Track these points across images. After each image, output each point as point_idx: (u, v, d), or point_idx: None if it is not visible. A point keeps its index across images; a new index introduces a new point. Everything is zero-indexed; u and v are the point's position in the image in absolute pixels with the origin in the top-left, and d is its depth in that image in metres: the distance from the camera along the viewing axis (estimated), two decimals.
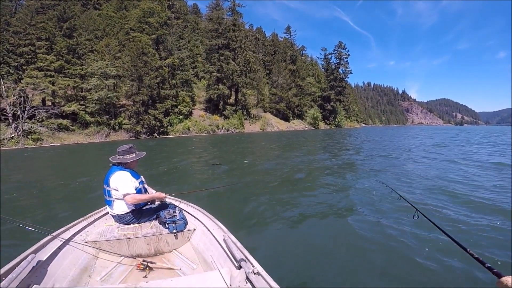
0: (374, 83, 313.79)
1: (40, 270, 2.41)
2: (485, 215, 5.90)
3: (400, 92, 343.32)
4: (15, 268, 2.16)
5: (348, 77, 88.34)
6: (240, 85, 54.49)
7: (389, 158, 15.40)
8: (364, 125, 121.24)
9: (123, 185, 3.34)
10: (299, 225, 5.53)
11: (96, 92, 35.17)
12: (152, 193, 3.79)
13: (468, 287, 3.50)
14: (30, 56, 32.69)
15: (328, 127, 78.13)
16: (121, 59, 39.39)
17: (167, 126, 41.45)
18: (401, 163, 13.47)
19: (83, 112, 34.49)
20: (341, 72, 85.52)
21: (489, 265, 1.28)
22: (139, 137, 37.65)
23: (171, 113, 42.78)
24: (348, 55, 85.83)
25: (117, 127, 36.99)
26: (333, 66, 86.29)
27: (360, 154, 17.33)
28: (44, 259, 2.53)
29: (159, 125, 39.89)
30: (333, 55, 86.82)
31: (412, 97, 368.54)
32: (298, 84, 72.07)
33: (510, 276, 1.08)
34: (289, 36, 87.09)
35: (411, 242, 4.67)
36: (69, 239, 2.98)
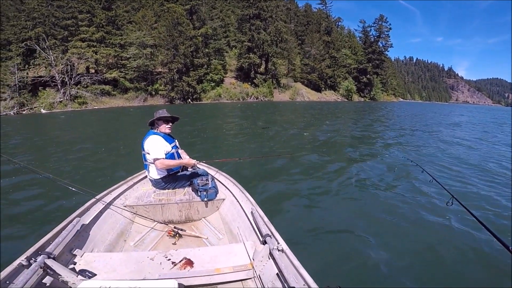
0: (417, 58, 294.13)
1: (82, 234, 2.52)
2: None
3: (446, 69, 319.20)
4: (61, 232, 2.25)
5: (388, 51, 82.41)
6: (270, 55, 53.89)
7: (421, 134, 14.63)
8: (402, 99, 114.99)
9: (153, 149, 3.34)
10: (324, 201, 5.35)
11: (134, 60, 36.94)
12: (184, 158, 3.72)
13: None
14: (73, 29, 34.61)
15: (362, 99, 75.08)
16: (157, 29, 40.42)
17: (200, 92, 42.65)
18: (432, 140, 12.69)
19: (123, 78, 36.44)
20: (381, 45, 79.76)
21: None
22: (173, 102, 39.21)
23: (204, 81, 43.78)
24: (390, 28, 79.52)
25: (153, 93, 38.83)
26: (372, 39, 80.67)
27: (394, 128, 16.75)
28: (87, 222, 2.63)
29: (192, 91, 41.12)
30: (372, 28, 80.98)
31: (460, 75, 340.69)
32: (332, 56, 69.33)
33: None
34: (324, 7, 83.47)
35: (443, 232, 4.29)
36: (110, 203, 3.08)
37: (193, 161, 3.61)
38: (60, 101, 29.87)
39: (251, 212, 2.77)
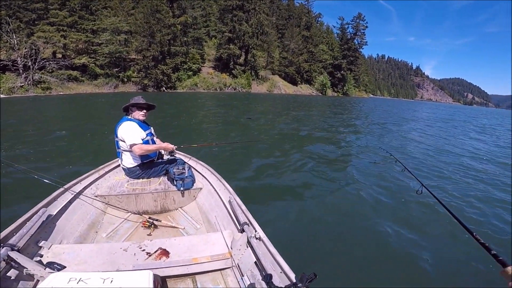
0: (388, 56, 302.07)
1: (49, 225, 2.36)
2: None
3: (414, 67, 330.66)
4: (26, 223, 2.11)
5: (362, 48, 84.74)
6: (250, 46, 52.66)
7: (389, 129, 15.11)
8: (372, 95, 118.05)
9: (129, 135, 3.16)
10: (300, 191, 5.28)
11: (107, 46, 34.66)
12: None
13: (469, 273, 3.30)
14: (42, 12, 31.78)
15: (335, 94, 76.34)
16: (134, 16, 38.18)
17: (175, 81, 40.82)
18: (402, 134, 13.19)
19: (93, 64, 34.07)
20: (356, 43, 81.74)
21: (494, 252, 1.15)
22: (147, 90, 37.30)
23: (180, 69, 41.90)
24: (366, 26, 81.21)
25: (125, 80, 36.67)
26: (348, 36, 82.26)
27: (366, 122, 17.25)
28: (55, 213, 2.47)
29: (166, 79, 39.31)
30: (350, 25, 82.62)
31: (426, 74, 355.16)
32: (310, 50, 69.46)
33: None
34: (306, 2, 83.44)
35: (413, 219, 4.45)
36: (80, 192, 2.91)
37: (172, 146, 3.53)
38: (21, 86, 27.23)
39: (229, 201, 2.71)
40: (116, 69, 36.07)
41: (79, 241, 2.47)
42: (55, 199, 2.59)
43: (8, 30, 27.98)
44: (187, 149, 4.33)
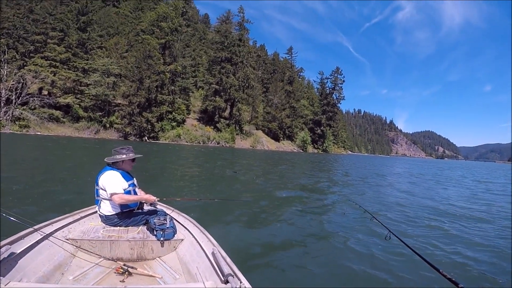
0: (364, 111, 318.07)
1: (10, 262, 2.21)
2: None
3: (388, 121, 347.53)
4: None
5: (340, 103, 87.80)
6: (236, 100, 53.77)
7: (367, 184, 15.40)
8: (350, 152, 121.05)
9: (110, 184, 3.14)
10: (274, 240, 5.31)
11: (94, 88, 34.35)
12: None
13: None
14: (40, 45, 31.83)
15: (316, 151, 77.57)
16: (126, 59, 38.76)
17: (159, 131, 40.43)
18: (376, 189, 13.57)
19: (78, 106, 33.49)
20: (335, 98, 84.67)
21: (462, 285, 1.21)
22: (128, 138, 36.56)
23: (165, 119, 41.75)
24: (343, 81, 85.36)
25: (108, 125, 36.03)
26: (327, 90, 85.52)
27: (345, 179, 17.53)
28: (18, 252, 2.33)
29: (150, 128, 38.91)
30: (329, 79, 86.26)
31: (399, 128, 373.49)
32: (292, 105, 71.77)
33: None
34: (290, 57, 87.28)
35: (382, 263, 4.57)
36: (50, 234, 2.74)
37: (154, 198, 3.47)
38: None
39: (212, 253, 2.59)
40: (100, 113, 35.48)
41: (42, 281, 2.28)
42: (21, 238, 2.46)
43: (2, 59, 27.30)
44: (170, 201, 4.20)
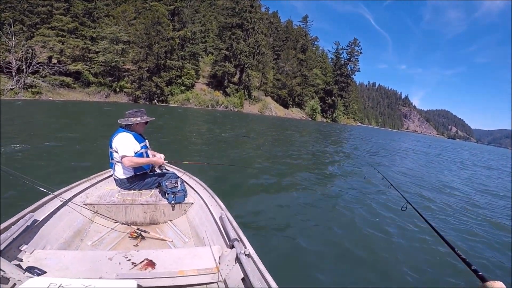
0: (379, 84, 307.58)
1: (34, 230, 2.32)
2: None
3: (403, 97, 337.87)
4: (10, 227, 2.09)
5: (355, 75, 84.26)
6: (246, 66, 52.95)
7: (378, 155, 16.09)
8: (360, 124, 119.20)
9: (122, 146, 3.15)
10: (292, 205, 5.47)
11: (103, 55, 34.33)
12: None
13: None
14: (46, 16, 31.38)
15: (325, 120, 76.52)
16: (135, 26, 38.16)
17: (168, 94, 40.53)
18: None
19: (87, 72, 33.53)
20: (349, 69, 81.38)
21: (475, 267, 1.16)
22: (138, 101, 36.88)
23: (174, 83, 41.69)
24: (360, 53, 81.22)
25: (118, 90, 36.17)
26: (342, 61, 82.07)
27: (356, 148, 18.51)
28: (41, 219, 2.42)
29: (159, 92, 39.00)
30: (345, 50, 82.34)
31: (413, 104, 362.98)
32: (303, 74, 69.87)
33: (495, 281, 0.97)
34: (305, 25, 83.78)
35: (397, 235, 4.63)
36: (69, 200, 2.86)
37: (162, 160, 3.53)
38: (12, 89, 26.46)
39: (220, 217, 2.69)
40: (110, 79, 35.63)
41: (63, 248, 2.40)
42: (43, 205, 2.55)
43: (9, 32, 27.43)
44: (177, 164, 4.26)
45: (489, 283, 0.94)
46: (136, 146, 3.27)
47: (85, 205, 2.96)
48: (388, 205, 6.05)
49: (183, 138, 12.64)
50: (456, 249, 1.39)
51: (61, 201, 2.73)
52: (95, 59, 34.24)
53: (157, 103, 38.59)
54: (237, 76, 54.17)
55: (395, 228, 4.91)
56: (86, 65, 33.73)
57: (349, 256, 3.88)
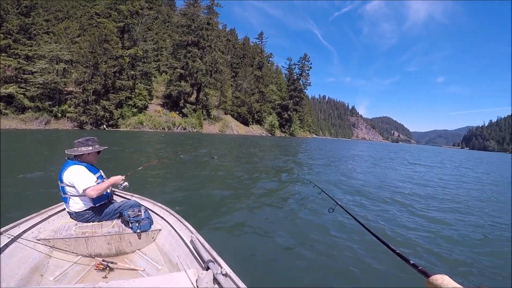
0: (329, 97, 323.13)
1: None
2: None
3: (350, 107, 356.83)
4: None
5: (306, 89, 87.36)
6: (203, 85, 50.33)
7: (324, 165, 16.41)
8: (315, 135, 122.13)
9: (80, 180, 2.88)
10: (254, 223, 5.36)
11: (41, 76, 29.77)
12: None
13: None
14: None
15: (283, 134, 76.68)
16: (78, 44, 33.97)
17: (118, 118, 36.33)
18: (336, 169, 14.69)
19: (22, 95, 28.75)
20: (302, 83, 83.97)
21: (413, 261, 1.08)
22: (84, 127, 32.48)
23: (125, 105, 37.59)
24: (310, 67, 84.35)
25: (60, 115, 31.50)
26: (295, 76, 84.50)
27: (311, 160, 19.12)
28: None
29: (108, 116, 34.82)
30: (297, 66, 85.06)
31: (360, 113, 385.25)
32: (261, 90, 69.74)
33: (439, 275, 0.88)
34: (260, 42, 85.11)
35: (333, 237, 4.77)
36: (18, 236, 2.50)
37: (119, 176, 3.28)
38: None
39: (191, 240, 2.57)
40: (50, 103, 30.88)
41: (22, 285, 2.14)
42: None
43: None
44: (134, 174, 4.19)
45: (433, 278, 0.83)
46: (93, 177, 3.00)
47: (38, 240, 2.58)
48: (323, 208, 6.41)
49: (139, 164, 10.69)
50: (390, 245, 1.26)
51: (9, 237, 2.38)
52: (31, 80, 29.59)
53: (106, 128, 34.38)
54: (194, 96, 51.24)
55: (334, 230, 5.09)
56: (20, 87, 29.03)
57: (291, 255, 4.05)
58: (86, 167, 3.00)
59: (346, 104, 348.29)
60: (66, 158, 3.05)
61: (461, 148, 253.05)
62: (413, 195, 8.97)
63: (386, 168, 17.33)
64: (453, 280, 0.82)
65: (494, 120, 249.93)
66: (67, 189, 2.92)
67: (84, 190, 2.85)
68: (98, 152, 3.25)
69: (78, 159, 3.05)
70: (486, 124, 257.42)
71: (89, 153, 3.09)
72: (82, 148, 3.04)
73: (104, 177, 3.28)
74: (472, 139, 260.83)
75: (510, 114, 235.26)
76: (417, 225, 5.81)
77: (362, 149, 42.97)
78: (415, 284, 3.24)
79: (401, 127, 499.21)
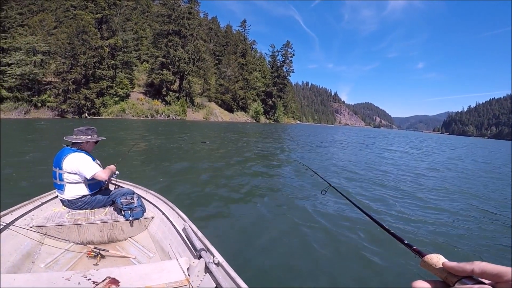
0: (311, 83, 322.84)
1: None
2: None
3: (333, 94, 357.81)
4: None
5: (290, 76, 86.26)
6: (186, 73, 49.32)
7: (312, 149, 16.62)
8: (299, 122, 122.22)
9: (87, 166, 2.81)
10: (230, 202, 5.35)
11: (18, 67, 28.78)
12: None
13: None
14: None
15: (268, 121, 76.24)
16: (55, 36, 32.55)
17: (100, 106, 35.40)
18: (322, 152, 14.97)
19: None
20: (285, 70, 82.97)
21: (407, 241, 1.01)
22: (65, 116, 31.59)
23: (106, 94, 36.58)
24: (293, 54, 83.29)
25: (40, 104, 30.52)
26: (278, 63, 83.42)
27: (296, 144, 19.47)
28: None
29: (89, 105, 33.92)
30: (280, 53, 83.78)
31: (342, 99, 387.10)
32: (245, 78, 68.74)
33: (435, 254, 0.79)
34: (243, 29, 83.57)
35: (327, 220, 4.65)
36: (11, 223, 2.47)
37: (113, 166, 3.22)
38: None
39: (183, 228, 2.50)
40: (29, 93, 29.88)
41: (13, 271, 2.09)
42: None
43: None
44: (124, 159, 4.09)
45: (428, 257, 0.78)
46: (96, 163, 2.97)
47: (31, 227, 2.54)
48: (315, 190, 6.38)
49: (126, 151, 10.53)
50: (384, 225, 1.20)
51: (2, 224, 2.34)
52: (8, 71, 28.61)
53: (88, 117, 33.51)
54: (177, 84, 50.18)
55: (328, 213, 5.00)
56: None
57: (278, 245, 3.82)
58: (87, 154, 2.97)
59: (329, 91, 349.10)
60: (65, 145, 2.99)
61: (441, 133, 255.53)
62: (403, 181, 8.91)
63: (368, 153, 17.36)
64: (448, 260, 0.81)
65: (473, 105, 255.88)
66: (67, 176, 2.84)
67: (94, 175, 2.82)
68: (96, 142, 3.23)
69: (76, 146, 2.99)
70: (465, 110, 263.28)
71: (87, 142, 3.07)
72: (81, 136, 3.01)
73: (100, 165, 3.22)
74: (451, 124, 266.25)
75: (488, 100, 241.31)
76: (405, 205, 5.90)
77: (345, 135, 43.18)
78: (410, 263, 3.24)
79: (383, 113, 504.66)
